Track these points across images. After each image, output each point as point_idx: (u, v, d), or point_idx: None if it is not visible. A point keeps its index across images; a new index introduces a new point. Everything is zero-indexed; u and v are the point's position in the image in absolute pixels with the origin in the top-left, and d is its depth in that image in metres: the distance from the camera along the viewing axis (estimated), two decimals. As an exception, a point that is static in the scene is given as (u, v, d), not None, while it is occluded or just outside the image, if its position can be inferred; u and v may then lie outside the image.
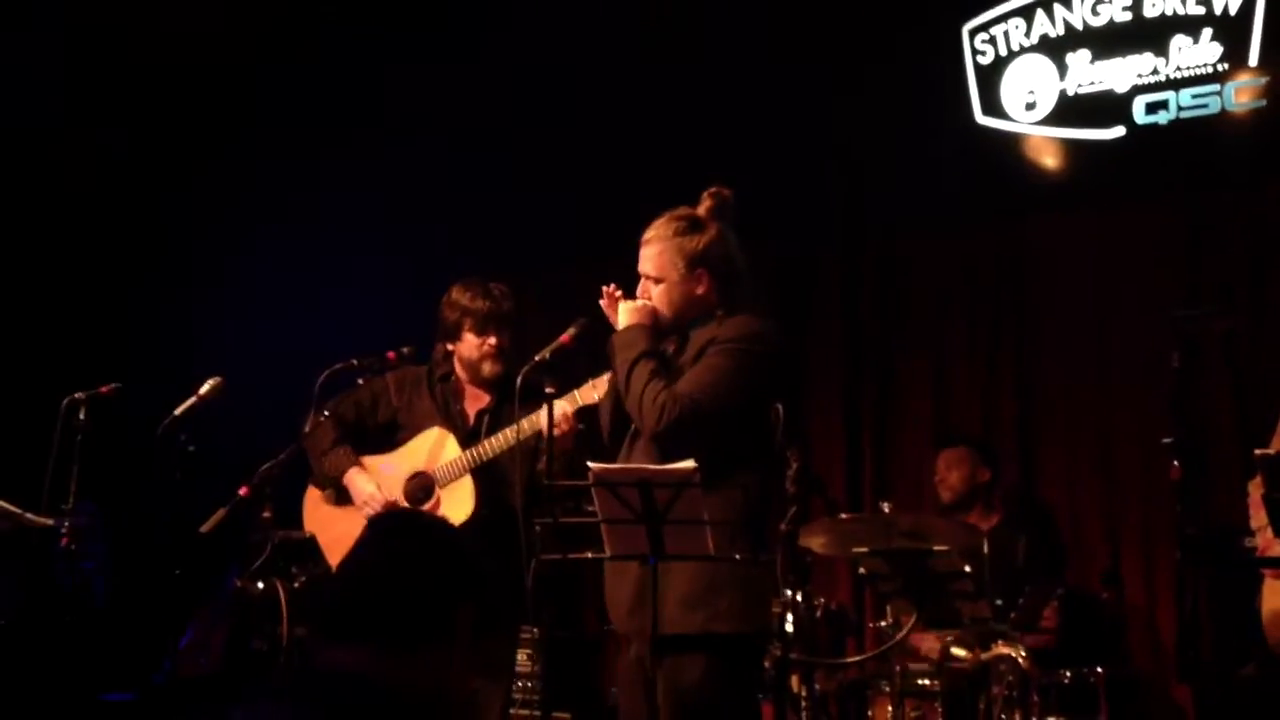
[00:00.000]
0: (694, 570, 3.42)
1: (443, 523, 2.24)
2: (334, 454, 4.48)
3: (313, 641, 2.06)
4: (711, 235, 3.63)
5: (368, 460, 4.51)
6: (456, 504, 4.30)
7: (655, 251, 3.64)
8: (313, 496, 4.59)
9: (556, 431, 3.88)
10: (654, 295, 3.65)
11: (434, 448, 4.42)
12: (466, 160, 6.66)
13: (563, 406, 4.03)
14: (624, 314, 3.66)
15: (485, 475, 4.32)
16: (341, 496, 4.50)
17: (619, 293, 3.72)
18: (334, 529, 4.49)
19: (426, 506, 4.34)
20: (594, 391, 4.03)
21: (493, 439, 4.31)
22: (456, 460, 4.35)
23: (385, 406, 4.57)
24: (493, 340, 4.44)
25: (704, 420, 3.47)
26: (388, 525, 2.17)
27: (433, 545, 2.08)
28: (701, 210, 3.69)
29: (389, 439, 4.55)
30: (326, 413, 4.49)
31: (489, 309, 4.43)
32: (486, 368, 4.48)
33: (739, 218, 3.72)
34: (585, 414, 4.09)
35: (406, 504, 4.36)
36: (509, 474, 4.29)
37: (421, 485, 4.39)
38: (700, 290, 3.63)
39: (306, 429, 4.44)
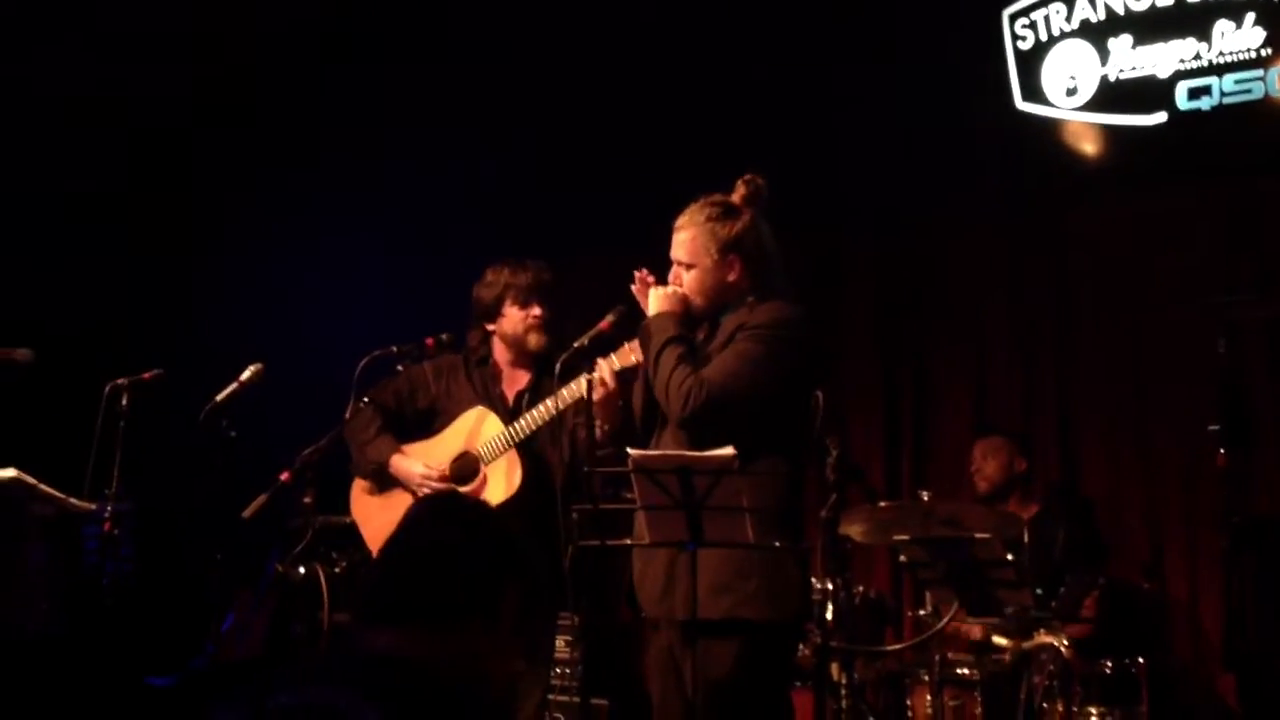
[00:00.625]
0: (721, 556, 3.42)
1: (487, 505, 2.24)
2: (376, 443, 4.51)
3: (355, 625, 2.06)
4: (744, 222, 3.63)
5: (410, 447, 4.52)
6: (501, 480, 4.31)
7: (688, 237, 3.64)
8: (358, 487, 4.61)
9: (596, 394, 3.87)
10: (685, 281, 3.65)
11: (476, 426, 4.43)
12: (502, 149, 6.66)
13: (601, 368, 4.01)
14: (654, 300, 3.66)
15: (528, 451, 4.33)
16: (383, 485, 4.51)
17: (650, 278, 3.72)
18: (378, 519, 4.51)
19: (473, 485, 4.35)
20: (631, 354, 4.01)
21: (533, 411, 4.31)
22: (499, 436, 4.36)
23: (424, 394, 4.58)
24: (536, 311, 4.45)
25: (730, 406, 3.47)
26: (431, 507, 2.17)
27: (478, 527, 2.07)
28: (735, 197, 3.68)
29: (428, 426, 4.56)
30: (366, 399, 4.50)
31: (530, 279, 4.45)
32: (533, 339, 4.48)
33: (773, 205, 3.71)
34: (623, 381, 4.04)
35: (453, 484, 4.37)
36: (549, 454, 4.31)
37: (467, 464, 4.40)
38: (732, 277, 3.62)
39: (347, 415, 4.45)
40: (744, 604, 3.43)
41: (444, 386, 4.58)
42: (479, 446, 4.39)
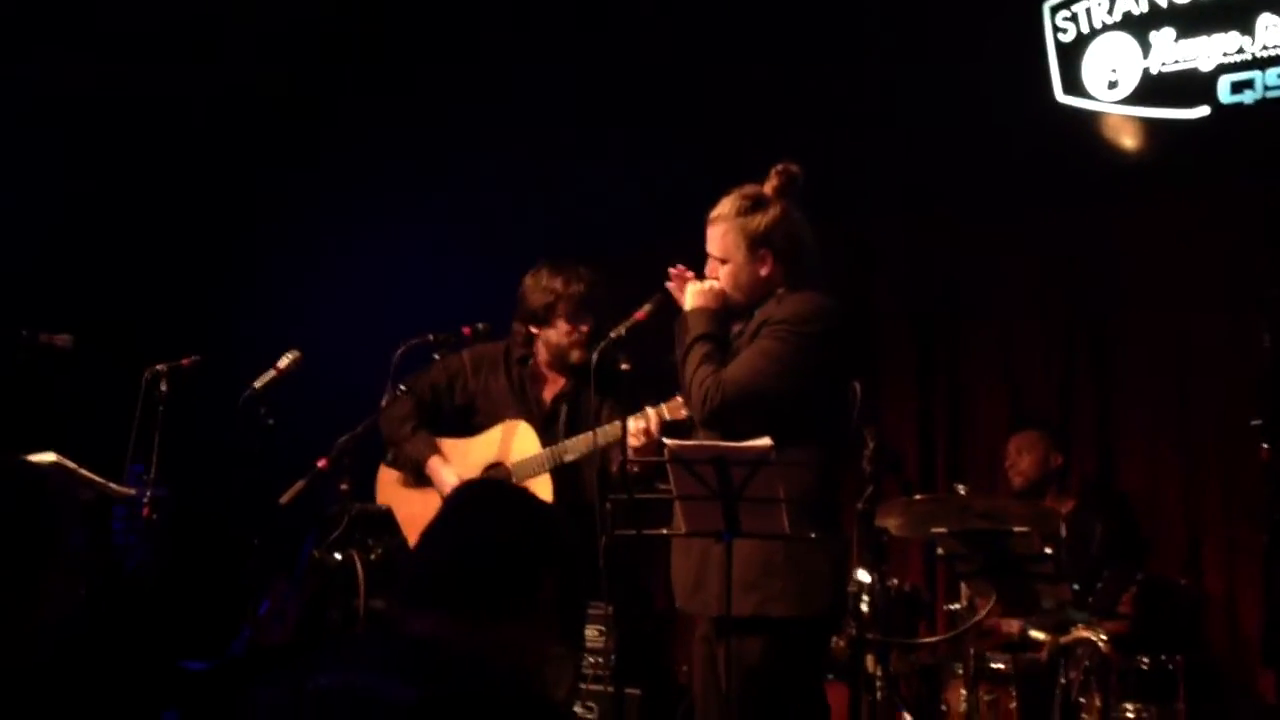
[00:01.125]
0: (749, 554, 3.40)
1: (529, 494, 2.23)
2: (414, 440, 4.50)
3: (395, 608, 2.06)
4: (775, 214, 3.59)
5: (447, 445, 4.53)
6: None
7: (720, 232, 3.62)
8: (385, 476, 4.61)
9: (634, 442, 3.87)
10: (721, 276, 3.63)
11: (514, 439, 4.41)
12: (540, 140, 6.66)
13: (649, 418, 3.99)
14: (690, 296, 3.64)
15: (562, 474, 4.33)
16: (420, 479, 4.52)
17: (689, 274, 3.70)
18: (410, 507, 4.53)
19: None
20: (683, 408, 3.98)
21: (574, 440, 4.28)
22: (536, 457, 4.35)
23: (461, 389, 4.58)
24: (585, 327, 4.42)
25: (750, 405, 3.44)
26: (473, 494, 2.18)
27: (519, 514, 2.08)
28: (767, 188, 3.64)
29: (465, 421, 4.56)
30: (403, 387, 4.50)
31: (583, 293, 4.39)
32: (575, 354, 4.45)
33: (809, 194, 3.68)
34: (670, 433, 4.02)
35: None
36: (584, 472, 4.30)
37: (499, 478, 4.38)
38: (764, 270, 3.59)
39: (384, 404, 4.46)
40: (770, 602, 3.42)
41: (482, 382, 4.57)
42: (513, 462, 4.38)
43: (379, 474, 4.65)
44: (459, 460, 4.49)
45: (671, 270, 3.71)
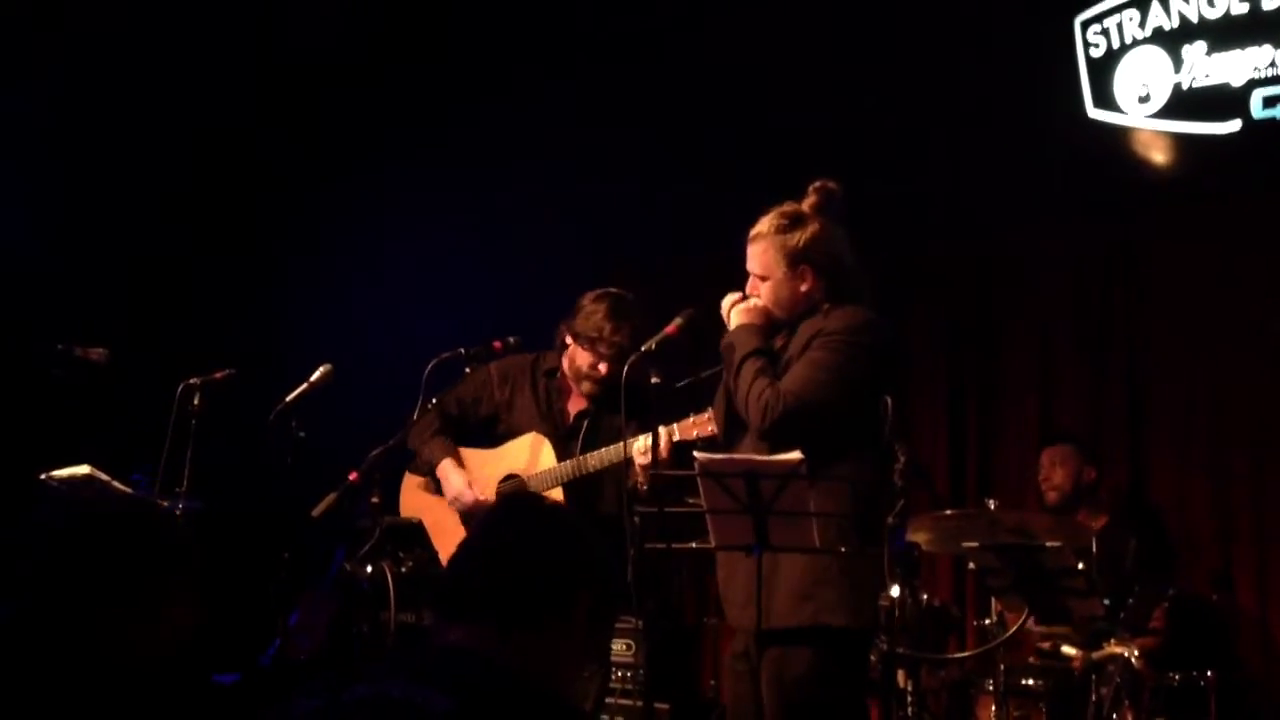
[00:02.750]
0: (804, 564, 3.42)
1: (567, 509, 2.25)
2: (433, 443, 4.57)
3: (431, 618, 2.08)
4: (813, 231, 3.62)
5: (467, 453, 4.56)
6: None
7: (760, 249, 3.65)
8: (409, 482, 4.66)
9: (643, 461, 3.91)
10: (762, 292, 3.66)
11: (532, 453, 4.44)
12: (574, 152, 6.68)
13: (660, 436, 4.01)
14: (736, 314, 3.67)
15: (576, 488, 4.35)
16: (439, 485, 4.57)
17: (736, 295, 3.72)
18: (432, 514, 4.56)
19: None
20: (694, 429, 4.01)
21: (593, 455, 4.31)
22: (552, 471, 4.38)
23: (488, 401, 4.62)
24: (603, 370, 4.45)
25: (809, 416, 3.47)
26: (511, 507, 2.19)
27: (557, 528, 2.09)
28: (806, 205, 3.67)
29: (490, 432, 4.60)
30: (434, 401, 4.54)
31: (622, 346, 4.36)
32: (585, 386, 4.52)
33: (847, 211, 3.70)
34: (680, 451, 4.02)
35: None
36: (602, 486, 4.31)
37: (514, 490, 4.41)
38: (805, 287, 3.62)
39: (415, 417, 4.49)
40: (827, 611, 3.43)
41: (508, 395, 4.62)
42: (531, 476, 4.41)
43: (404, 479, 4.69)
44: (475, 469, 4.52)
45: (731, 296, 3.72)
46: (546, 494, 4.34)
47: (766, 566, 3.38)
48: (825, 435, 3.42)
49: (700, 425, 4.00)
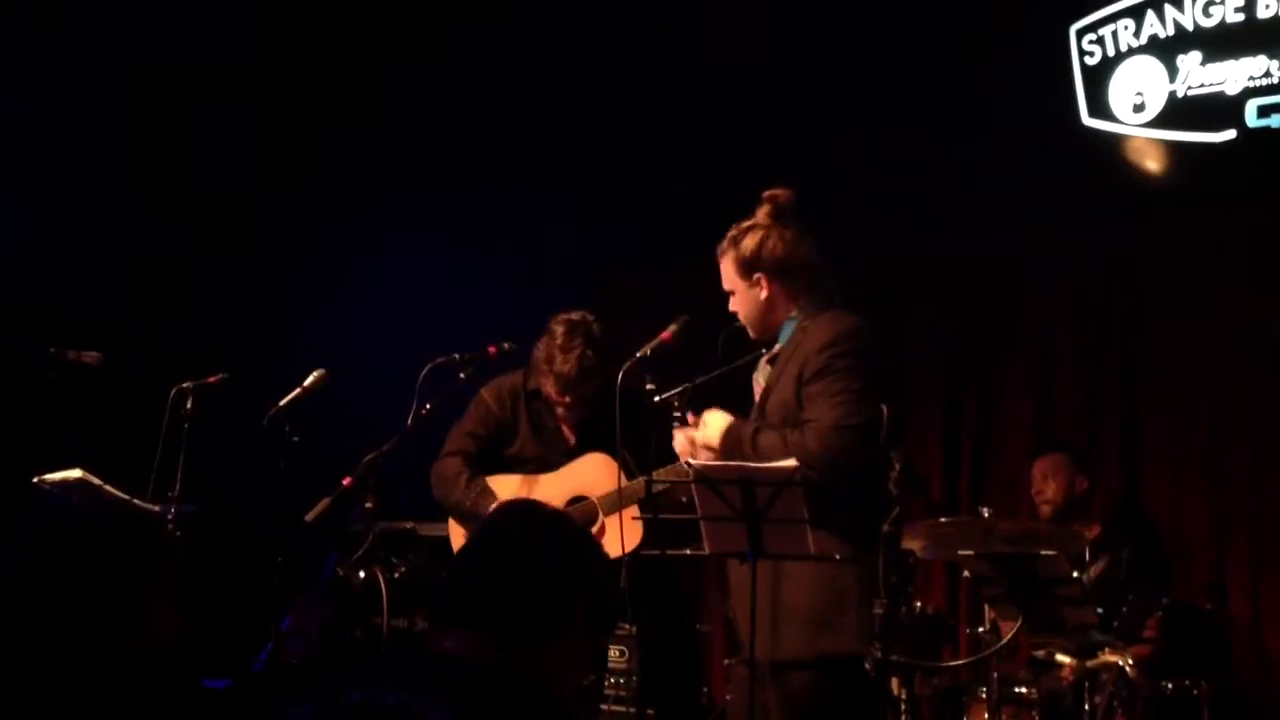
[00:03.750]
0: (815, 592, 3.42)
1: (566, 516, 2.25)
2: (469, 492, 4.47)
3: (429, 625, 2.08)
4: (759, 237, 3.67)
5: (513, 482, 4.52)
6: (627, 536, 4.21)
7: (724, 266, 3.73)
8: (457, 533, 4.58)
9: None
10: (734, 307, 3.73)
11: (595, 472, 4.41)
12: (569, 158, 6.68)
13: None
14: (711, 425, 3.64)
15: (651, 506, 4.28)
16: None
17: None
18: None
19: (595, 534, 4.31)
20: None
21: (663, 472, 4.18)
22: (611, 481, 4.28)
23: (496, 425, 4.60)
24: (567, 401, 4.46)
25: (855, 440, 3.47)
26: (511, 514, 2.19)
27: (556, 537, 2.09)
28: (759, 215, 3.71)
29: (500, 454, 4.58)
30: (448, 453, 4.53)
31: (570, 376, 4.38)
32: (560, 412, 4.52)
33: (806, 214, 3.72)
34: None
35: None
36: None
37: (584, 512, 4.36)
38: (763, 294, 3.67)
39: (409, 423, 4.47)
40: (841, 640, 3.44)
41: (509, 415, 4.61)
42: (599, 496, 4.37)
43: (450, 527, 4.63)
44: (535, 497, 4.46)
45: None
46: (621, 514, 4.22)
47: (776, 593, 3.38)
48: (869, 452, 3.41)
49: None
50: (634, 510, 4.19)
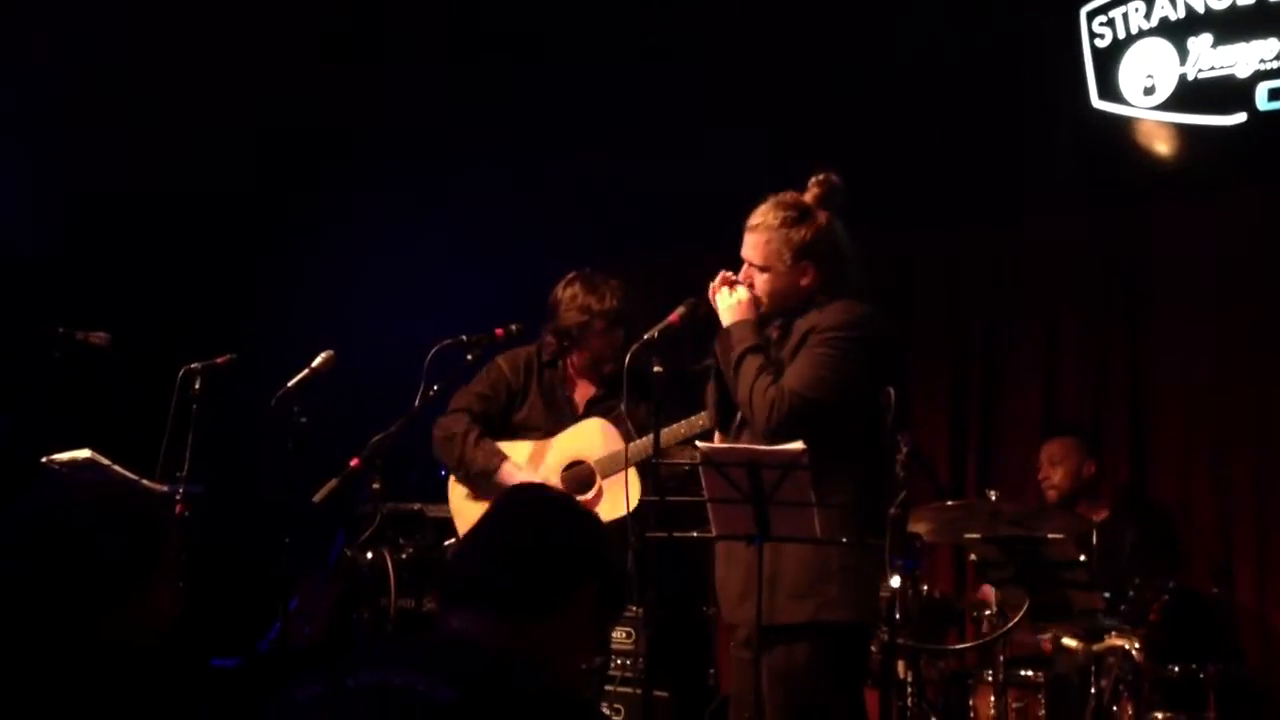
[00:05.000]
0: (805, 560, 3.41)
1: (573, 500, 2.26)
2: (479, 450, 4.50)
3: (437, 606, 2.09)
4: (819, 226, 3.60)
5: (516, 447, 4.53)
6: (619, 497, 4.27)
7: (762, 240, 3.61)
8: (458, 493, 4.58)
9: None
10: (758, 283, 3.63)
11: (592, 437, 4.42)
12: (572, 141, 6.67)
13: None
14: (728, 310, 3.63)
15: (646, 470, 4.30)
16: (490, 489, 4.51)
17: (733, 277, 3.68)
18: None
19: (588, 497, 4.34)
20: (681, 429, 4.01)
21: (666, 431, 4.22)
22: (619, 454, 4.34)
23: (506, 391, 4.62)
24: (619, 337, 4.45)
25: (814, 414, 3.45)
26: (517, 498, 2.20)
27: (563, 518, 2.10)
28: (808, 196, 3.65)
29: (507, 422, 4.58)
30: (454, 410, 4.52)
31: (618, 309, 4.44)
32: (608, 367, 4.51)
33: (847, 200, 3.68)
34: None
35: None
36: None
37: (581, 475, 4.37)
38: (805, 281, 3.60)
39: (417, 404, 4.48)
40: (828, 607, 3.43)
41: (522, 383, 4.61)
42: (597, 460, 4.37)
43: (450, 488, 4.63)
44: (534, 462, 4.48)
45: (723, 275, 3.69)
46: (617, 478, 4.27)
47: (766, 562, 3.37)
48: (828, 430, 3.41)
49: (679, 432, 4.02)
50: (633, 475, 4.25)
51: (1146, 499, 5.65)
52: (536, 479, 4.38)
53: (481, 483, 4.50)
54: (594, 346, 4.47)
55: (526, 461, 4.48)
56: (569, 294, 4.50)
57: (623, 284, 4.51)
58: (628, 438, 4.17)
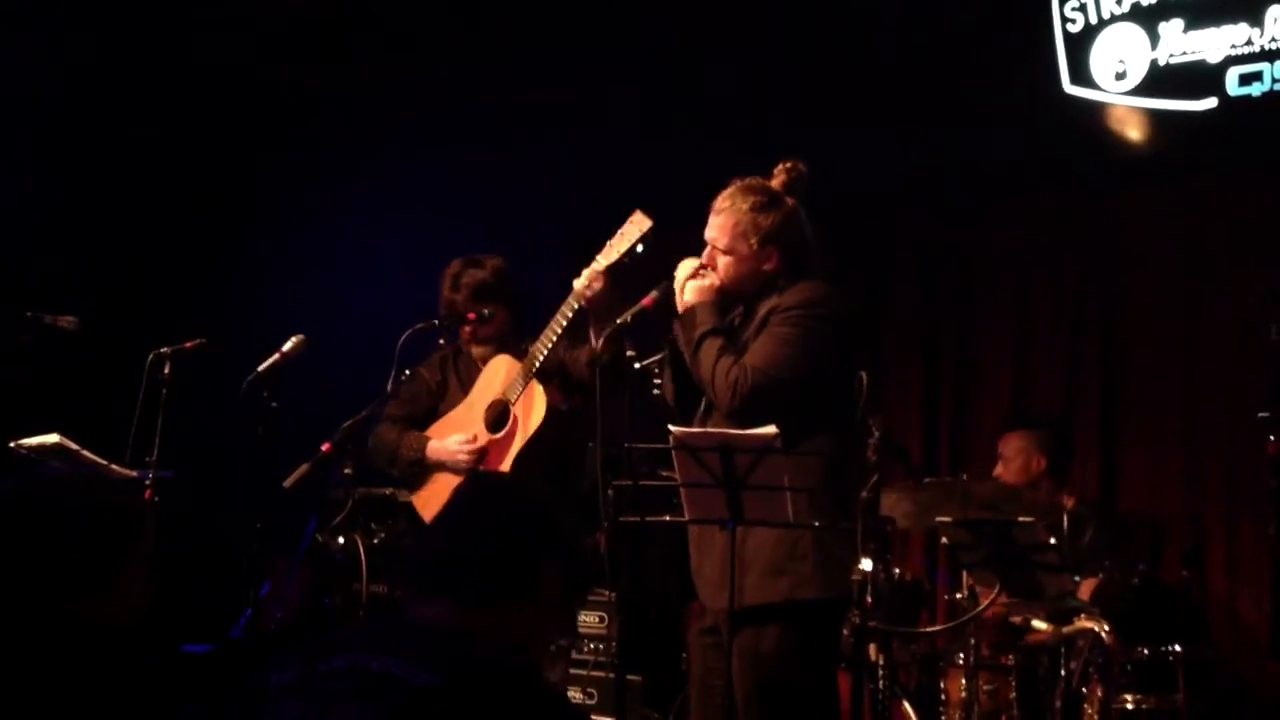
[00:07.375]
0: (773, 540, 3.41)
1: (533, 485, 2.26)
2: (403, 442, 4.53)
3: (405, 594, 2.09)
4: (785, 213, 3.61)
5: (438, 426, 4.54)
6: (535, 409, 4.31)
7: (730, 223, 3.61)
8: (419, 500, 4.58)
9: (589, 292, 3.99)
10: (720, 266, 3.63)
11: (495, 375, 4.45)
12: (546, 127, 6.65)
13: (584, 277, 4.04)
14: (691, 290, 3.64)
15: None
16: (425, 475, 4.52)
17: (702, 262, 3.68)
18: (434, 505, 4.51)
19: (508, 428, 4.36)
20: (614, 250, 4.04)
21: (539, 341, 4.27)
22: (519, 373, 4.35)
23: (425, 389, 4.66)
24: (467, 330, 4.53)
25: (777, 391, 3.46)
26: (476, 486, 2.21)
27: (522, 502, 2.11)
28: (775, 183, 3.66)
29: (438, 417, 4.60)
30: (378, 421, 4.55)
31: (471, 288, 4.52)
32: (475, 350, 4.55)
33: (814, 187, 3.69)
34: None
35: (491, 434, 4.39)
36: (568, 368, 4.33)
37: (498, 411, 4.40)
38: (768, 266, 3.60)
39: (389, 387, 4.46)
40: (802, 585, 3.42)
41: (440, 378, 4.67)
42: (504, 391, 4.40)
43: (415, 503, 4.63)
44: (460, 427, 4.48)
45: (693, 261, 3.69)
46: (526, 393, 4.31)
47: (741, 548, 3.37)
48: (794, 410, 3.41)
49: (617, 245, 4.04)
50: (535, 385, 4.30)
51: (1109, 502, 5.66)
52: (466, 439, 4.39)
53: (417, 471, 4.52)
54: (467, 334, 4.52)
55: (454, 431, 4.48)
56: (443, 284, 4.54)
57: (469, 261, 4.58)
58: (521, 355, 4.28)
